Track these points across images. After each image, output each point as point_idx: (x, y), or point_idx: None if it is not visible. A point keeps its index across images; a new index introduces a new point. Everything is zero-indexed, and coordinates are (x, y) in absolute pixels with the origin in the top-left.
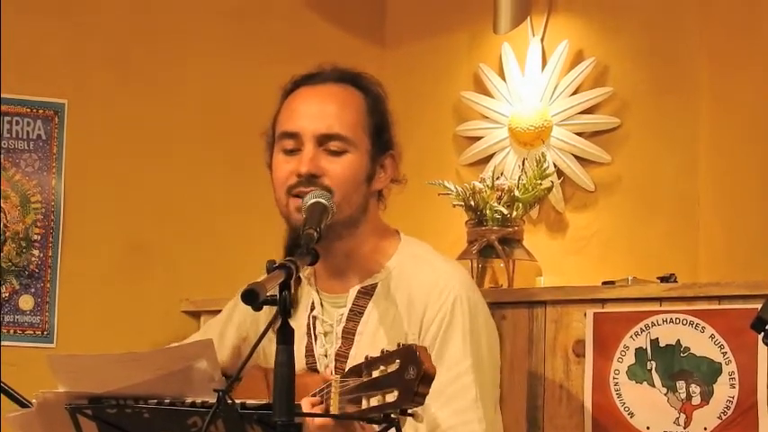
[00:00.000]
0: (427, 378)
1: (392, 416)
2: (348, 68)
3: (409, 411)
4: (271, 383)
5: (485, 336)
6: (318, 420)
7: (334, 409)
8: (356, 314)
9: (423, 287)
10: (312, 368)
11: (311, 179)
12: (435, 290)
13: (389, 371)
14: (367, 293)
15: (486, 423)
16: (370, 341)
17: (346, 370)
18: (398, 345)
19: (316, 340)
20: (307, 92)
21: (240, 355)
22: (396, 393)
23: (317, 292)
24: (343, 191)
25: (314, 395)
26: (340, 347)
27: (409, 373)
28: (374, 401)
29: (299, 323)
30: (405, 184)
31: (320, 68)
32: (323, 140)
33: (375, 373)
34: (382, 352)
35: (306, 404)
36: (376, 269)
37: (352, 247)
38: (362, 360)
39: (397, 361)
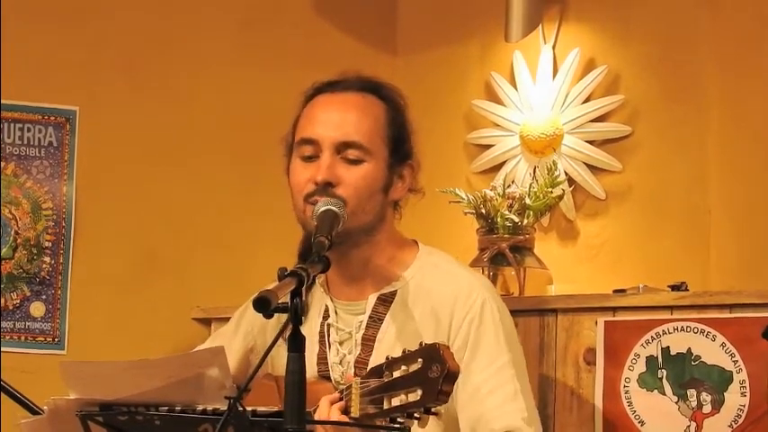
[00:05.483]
0: (451, 376)
1: (416, 415)
2: (370, 77)
3: (433, 410)
4: (283, 390)
5: (515, 337)
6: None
7: (355, 411)
8: (375, 321)
9: (447, 295)
10: (324, 376)
11: (326, 187)
12: (461, 296)
13: (411, 370)
14: (386, 301)
15: (529, 414)
16: (390, 348)
17: (366, 371)
18: (420, 344)
19: (329, 348)
20: (327, 99)
21: (248, 365)
22: (419, 392)
23: (332, 299)
24: (356, 200)
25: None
26: (359, 354)
27: (432, 372)
28: (396, 401)
29: (310, 330)
30: (423, 195)
31: (342, 76)
32: (341, 148)
33: (396, 374)
34: (404, 352)
35: (325, 403)
36: (394, 278)
37: (368, 255)
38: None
39: (420, 360)
